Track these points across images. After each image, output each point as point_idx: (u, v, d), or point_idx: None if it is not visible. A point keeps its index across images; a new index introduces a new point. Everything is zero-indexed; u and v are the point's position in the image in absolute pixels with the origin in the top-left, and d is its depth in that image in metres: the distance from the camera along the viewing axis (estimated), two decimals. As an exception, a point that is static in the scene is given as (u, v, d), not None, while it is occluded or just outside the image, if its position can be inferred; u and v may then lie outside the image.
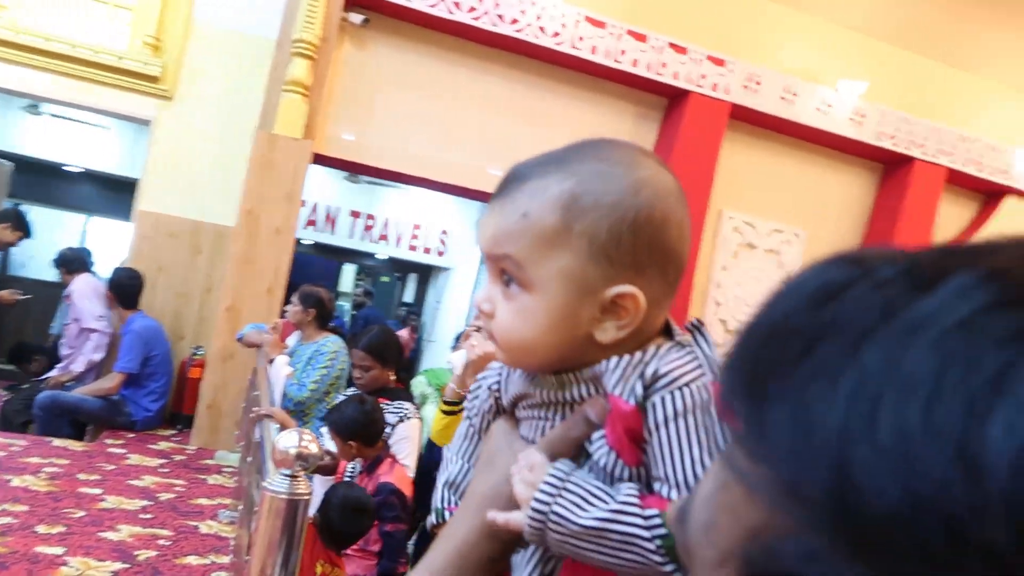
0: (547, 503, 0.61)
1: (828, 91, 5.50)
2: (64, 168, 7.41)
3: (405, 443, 3.07)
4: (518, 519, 0.64)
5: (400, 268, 10.10)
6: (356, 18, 4.58)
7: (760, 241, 5.76)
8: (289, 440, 1.53)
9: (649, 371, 0.62)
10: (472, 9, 4.62)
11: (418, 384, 4.27)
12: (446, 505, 0.77)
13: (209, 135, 5.04)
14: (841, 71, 5.55)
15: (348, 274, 10.58)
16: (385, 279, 10.45)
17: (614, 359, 0.65)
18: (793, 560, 0.23)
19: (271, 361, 3.88)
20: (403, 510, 2.49)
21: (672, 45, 5.06)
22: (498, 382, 0.76)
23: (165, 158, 5.02)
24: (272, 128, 4.42)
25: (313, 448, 1.55)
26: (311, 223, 8.08)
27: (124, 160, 6.97)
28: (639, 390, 0.62)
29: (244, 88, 5.00)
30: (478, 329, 2.20)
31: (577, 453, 0.66)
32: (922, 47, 5.70)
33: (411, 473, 2.87)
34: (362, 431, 2.60)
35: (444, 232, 8.56)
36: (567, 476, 0.63)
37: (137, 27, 4.88)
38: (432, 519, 0.78)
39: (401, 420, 3.01)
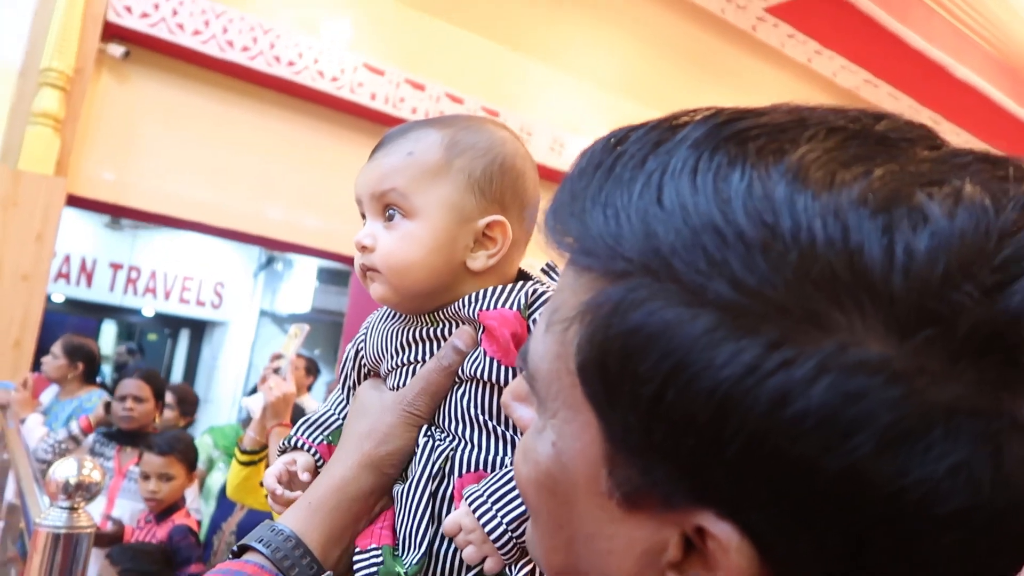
0: (496, 523, 0.65)
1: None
2: None
3: (189, 492, 2.87)
4: (490, 564, 0.67)
5: (170, 324, 9.39)
6: (116, 50, 4.31)
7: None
8: (67, 468, 1.39)
9: (530, 290, 0.72)
10: (246, 48, 4.53)
11: (203, 447, 3.97)
12: (297, 435, 0.82)
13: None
14: (598, 126, 6.09)
15: (108, 334, 9.65)
16: (153, 337, 9.65)
17: (491, 288, 0.73)
18: (623, 294, 0.32)
19: (23, 421, 3.45)
20: (200, 549, 2.34)
21: (449, 95, 5.28)
22: (363, 343, 0.82)
23: None
24: (16, 164, 4.01)
25: (96, 475, 1.42)
26: (63, 276, 7.32)
27: None
28: (522, 303, 0.71)
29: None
30: (276, 371, 2.16)
31: (450, 385, 0.73)
32: (661, 106, 6.40)
33: (200, 518, 2.70)
34: (185, 448, 2.46)
35: (220, 284, 8.13)
36: (485, 491, 0.67)
37: None
38: (282, 443, 0.82)
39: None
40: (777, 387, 0.28)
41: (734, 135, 0.33)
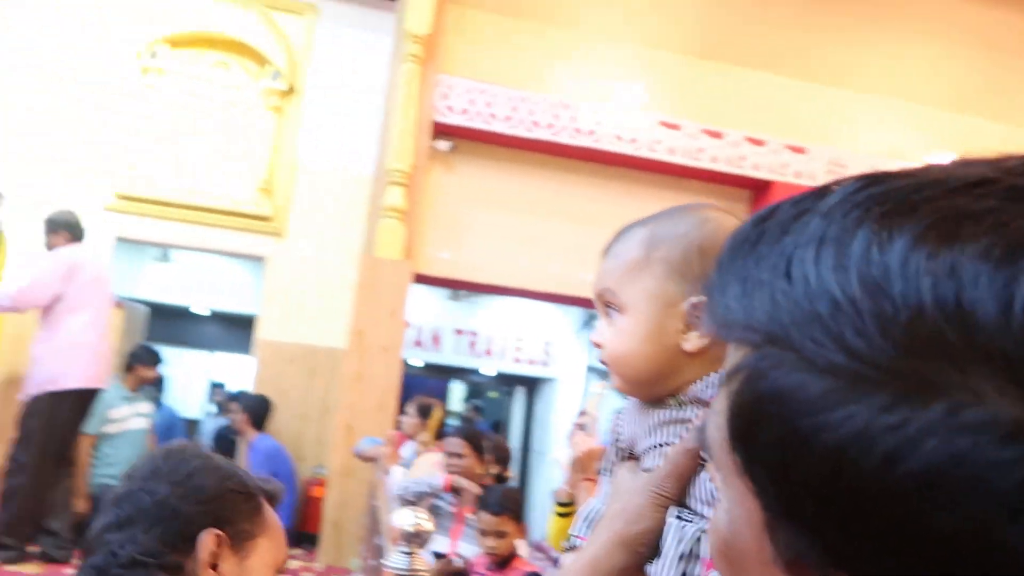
0: None
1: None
2: (191, 310, 8.07)
3: (520, 542, 3.09)
4: None
5: (507, 382, 10.22)
6: (444, 145, 4.95)
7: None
8: (405, 518, 1.63)
9: None
10: (550, 125, 4.91)
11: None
12: (576, 533, 0.87)
13: (317, 264, 5.45)
14: (927, 146, 5.50)
15: (456, 392, 10.78)
16: (494, 394, 10.58)
17: (721, 372, 0.75)
18: (753, 364, 0.34)
19: (387, 473, 4.01)
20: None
21: (749, 139, 5.18)
22: (619, 434, 0.86)
23: (279, 290, 5.44)
24: (374, 252, 4.75)
25: (428, 525, 1.63)
26: (418, 344, 8.38)
27: (242, 296, 7.53)
28: None
29: (347, 219, 5.42)
30: (581, 427, 2.28)
31: (696, 467, 0.75)
32: (1008, 116, 5.61)
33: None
34: (515, 505, 2.63)
35: (547, 343, 8.69)
36: None
37: (250, 174, 5.43)
38: (563, 543, 0.90)
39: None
40: (886, 450, 0.28)
41: (865, 200, 0.33)
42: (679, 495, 0.75)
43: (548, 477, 7.95)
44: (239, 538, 0.96)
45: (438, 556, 2.85)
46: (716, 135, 5.12)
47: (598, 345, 0.82)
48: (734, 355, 0.37)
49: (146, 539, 0.91)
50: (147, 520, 0.92)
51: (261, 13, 5.44)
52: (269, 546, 1.00)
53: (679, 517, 0.74)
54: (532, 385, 9.59)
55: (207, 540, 0.93)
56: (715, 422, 0.39)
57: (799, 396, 0.31)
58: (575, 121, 4.94)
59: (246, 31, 5.44)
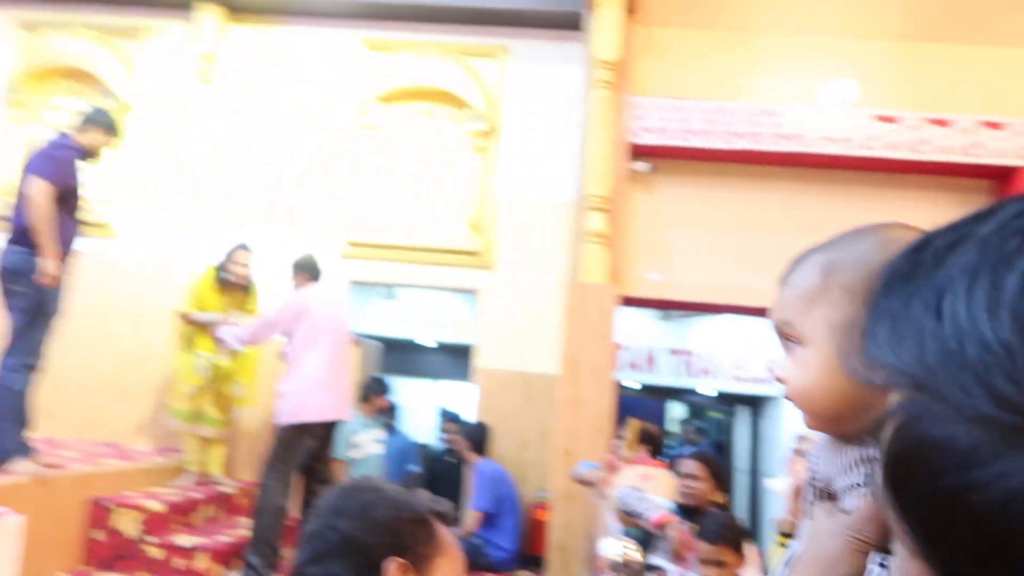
0: None
1: None
2: (417, 343, 8.67)
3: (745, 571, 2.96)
4: None
5: (728, 402, 9.86)
6: (642, 166, 4.93)
7: None
8: (613, 547, 1.64)
9: None
10: (751, 134, 4.73)
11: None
12: (778, 573, 0.85)
13: (526, 294, 5.63)
14: None
15: (674, 413, 10.56)
16: (715, 414, 10.24)
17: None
18: (901, 412, 0.32)
19: (605, 497, 4.02)
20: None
21: (984, 123, 4.66)
22: (814, 472, 0.83)
23: (492, 320, 5.68)
24: (579, 278, 4.82)
25: (636, 555, 1.63)
26: (635, 366, 8.35)
27: (462, 327, 7.94)
28: None
29: (551, 248, 5.56)
30: (800, 453, 2.16)
31: None
32: None
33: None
34: (733, 534, 2.50)
35: (771, 359, 8.29)
36: None
37: (459, 212, 5.75)
38: None
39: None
40: None
41: None
42: (880, 540, 0.69)
43: (778, 501, 7.54)
44: (419, 562, 1.03)
45: (653, 569, 2.80)
46: (942, 123, 4.66)
47: (781, 380, 0.78)
48: (892, 397, 0.34)
49: (340, 572, 1.00)
50: (337, 554, 1.01)
51: (458, 61, 5.78)
52: (446, 564, 1.06)
53: (882, 564, 0.68)
54: (756, 404, 9.17)
55: (392, 568, 1.00)
56: (878, 469, 0.36)
57: (948, 449, 0.29)
58: (778, 126, 4.72)
59: (446, 80, 5.80)
